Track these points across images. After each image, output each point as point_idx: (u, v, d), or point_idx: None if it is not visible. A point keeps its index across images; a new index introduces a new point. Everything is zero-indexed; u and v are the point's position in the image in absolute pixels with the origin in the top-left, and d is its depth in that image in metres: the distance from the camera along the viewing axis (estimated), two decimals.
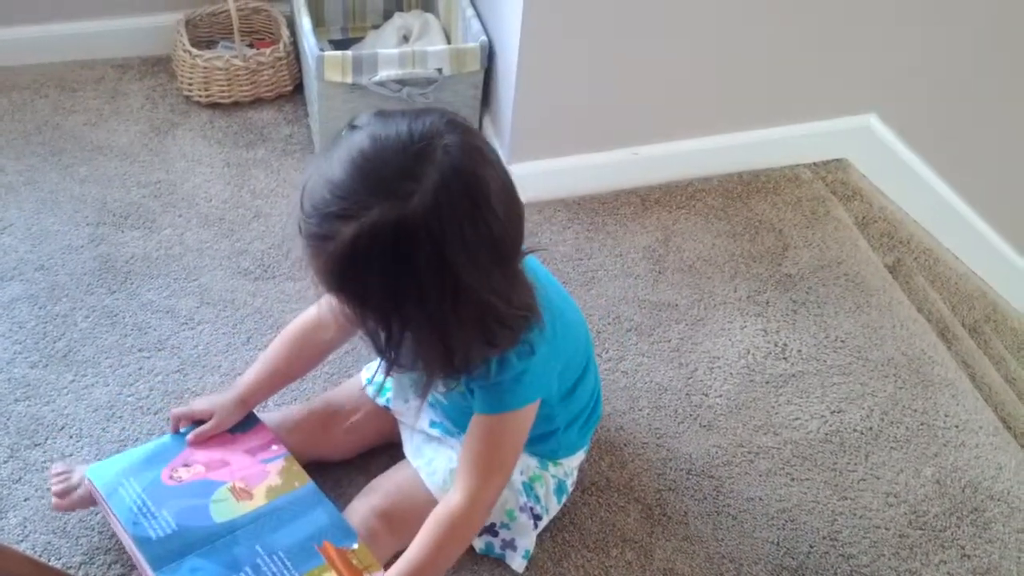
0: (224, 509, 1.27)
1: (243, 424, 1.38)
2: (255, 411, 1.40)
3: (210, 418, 1.36)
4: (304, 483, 1.32)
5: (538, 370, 1.17)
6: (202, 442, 1.35)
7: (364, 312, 1.06)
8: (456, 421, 1.37)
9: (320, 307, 1.27)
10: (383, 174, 1.00)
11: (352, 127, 1.05)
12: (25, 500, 1.38)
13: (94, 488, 1.28)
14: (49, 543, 1.33)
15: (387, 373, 1.16)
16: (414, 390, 1.27)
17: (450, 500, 1.20)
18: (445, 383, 1.15)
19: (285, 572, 1.21)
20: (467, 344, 1.07)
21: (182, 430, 1.36)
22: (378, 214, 0.98)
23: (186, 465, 1.32)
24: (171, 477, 1.30)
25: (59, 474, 1.33)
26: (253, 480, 1.31)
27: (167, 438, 1.36)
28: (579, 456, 1.43)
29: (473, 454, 1.20)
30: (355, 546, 1.24)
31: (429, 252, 0.99)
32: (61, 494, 1.32)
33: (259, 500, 1.29)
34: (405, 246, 0.99)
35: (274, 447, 1.36)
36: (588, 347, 1.36)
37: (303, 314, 1.37)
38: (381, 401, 1.42)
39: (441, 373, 1.11)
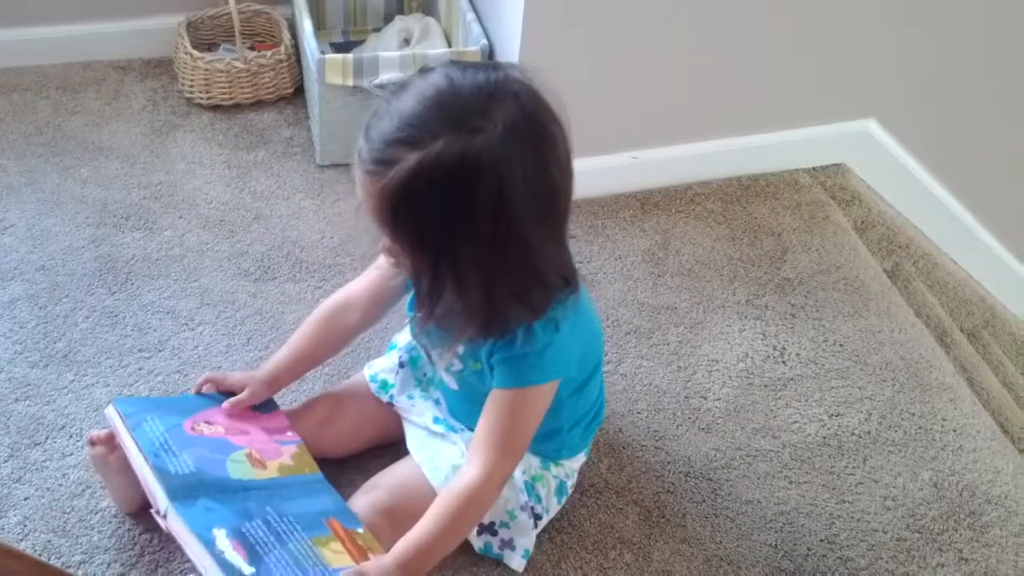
0: (240, 469, 1.28)
1: (263, 407, 1.40)
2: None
3: (240, 390, 1.36)
4: (314, 471, 1.33)
5: (562, 346, 1.18)
6: (225, 411, 1.36)
7: (415, 250, 1.07)
8: (460, 415, 1.38)
9: (348, 288, 1.33)
10: (454, 108, 1.02)
11: (425, 70, 1.07)
12: (25, 499, 1.38)
13: (118, 417, 1.27)
14: (49, 542, 1.33)
15: (423, 324, 1.16)
16: (438, 353, 1.27)
17: (465, 474, 1.20)
18: (470, 347, 1.17)
19: (294, 532, 1.21)
20: (506, 297, 1.09)
21: (205, 391, 1.38)
22: (444, 144, 1.00)
23: (208, 422, 1.33)
24: (192, 428, 1.31)
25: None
26: (268, 455, 1.33)
27: (191, 395, 1.38)
28: (580, 458, 1.43)
29: (491, 429, 1.20)
30: (360, 530, 1.25)
31: (490, 188, 1.01)
32: (107, 440, 1.29)
33: (272, 472, 1.30)
34: (467, 179, 1.00)
35: (290, 433, 1.38)
36: (602, 345, 1.38)
37: (331, 296, 1.39)
38: (384, 397, 1.42)
39: (474, 329, 1.12)
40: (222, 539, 1.15)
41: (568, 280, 1.16)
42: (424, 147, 1.00)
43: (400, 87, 1.07)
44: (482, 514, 1.27)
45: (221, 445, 1.31)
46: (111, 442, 1.28)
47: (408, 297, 1.29)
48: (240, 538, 1.16)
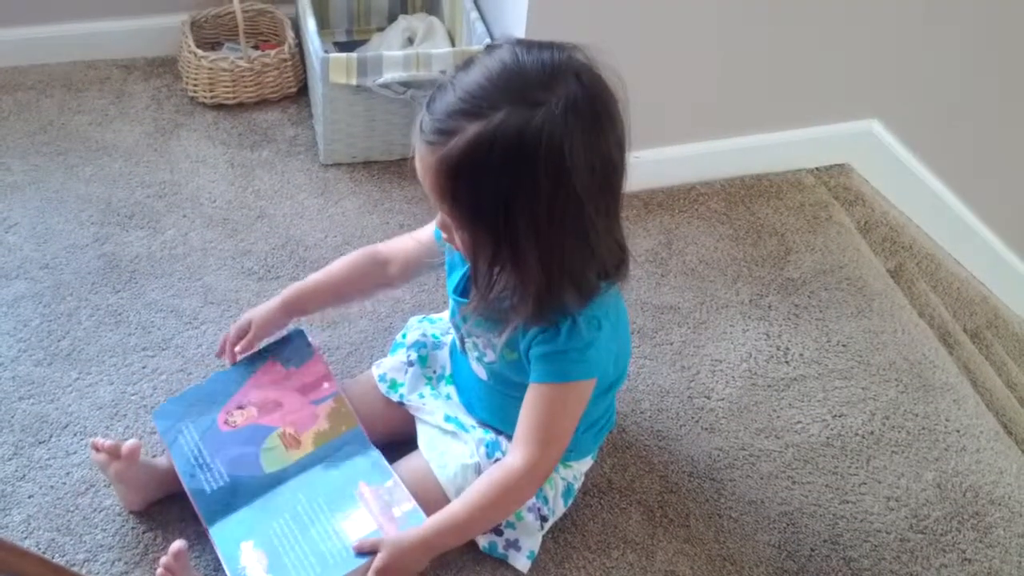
0: (273, 458, 1.35)
1: (299, 355, 1.44)
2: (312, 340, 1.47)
3: (261, 332, 1.41)
4: (352, 426, 1.37)
5: (602, 345, 1.19)
6: (258, 381, 1.41)
7: (474, 223, 1.08)
8: (478, 410, 1.38)
9: (390, 243, 1.38)
10: (517, 83, 1.03)
11: (492, 46, 1.09)
12: (29, 497, 1.38)
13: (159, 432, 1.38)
14: (53, 540, 1.34)
15: (476, 307, 1.16)
16: (472, 343, 1.29)
17: (508, 464, 1.21)
18: (509, 337, 1.18)
19: (322, 515, 1.28)
20: (563, 276, 1.09)
21: (240, 361, 1.43)
22: (505, 115, 1.01)
23: (240, 407, 1.39)
24: (226, 422, 1.37)
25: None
26: (302, 426, 1.37)
27: (223, 373, 1.44)
28: (587, 462, 1.43)
29: (533, 423, 1.21)
30: (388, 483, 1.30)
31: (549, 160, 1.02)
32: (110, 450, 1.30)
33: (307, 447, 1.35)
34: (527, 150, 1.01)
35: (325, 384, 1.41)
36: (629, 355, 1.38)
37: (373, 245, 1.42)
38: (395, 397, 1.42)
39: (528, 311, 1.12)
40: (248, 554, 1.26)
41: (620, 264, 1.17)
42: (485, 118, 1.02)
43: (466, 63, 1.08)
44: (519, 505, 1.28)
45: (254, 434, 1.37)
46: (114, 452, 1.30)
47: (454, 279, 1.29)
48: (265, 544, 1.26)
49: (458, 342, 1.35)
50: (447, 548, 1.24)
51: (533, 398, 1.21)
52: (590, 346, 1.17)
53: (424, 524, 1.21)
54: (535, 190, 1.03)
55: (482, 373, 1.32)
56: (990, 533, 1.50)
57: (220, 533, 1.28)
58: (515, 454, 1.22)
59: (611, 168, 1.08)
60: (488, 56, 1.07)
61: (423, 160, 1.07)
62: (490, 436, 1.34)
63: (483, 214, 1.06)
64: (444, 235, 1.17)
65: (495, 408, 1.34)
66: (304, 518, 1.28)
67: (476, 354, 1.30)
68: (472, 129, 1.02)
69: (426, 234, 1.37)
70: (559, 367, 1.18)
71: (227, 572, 1.24)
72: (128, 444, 1.29)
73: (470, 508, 1.21)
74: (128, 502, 1.36)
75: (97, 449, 1.30)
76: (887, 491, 1.53)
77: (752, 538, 1.45)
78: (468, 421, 1.38)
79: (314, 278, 1.43)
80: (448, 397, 1.42)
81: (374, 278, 1.41)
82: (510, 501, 1.24)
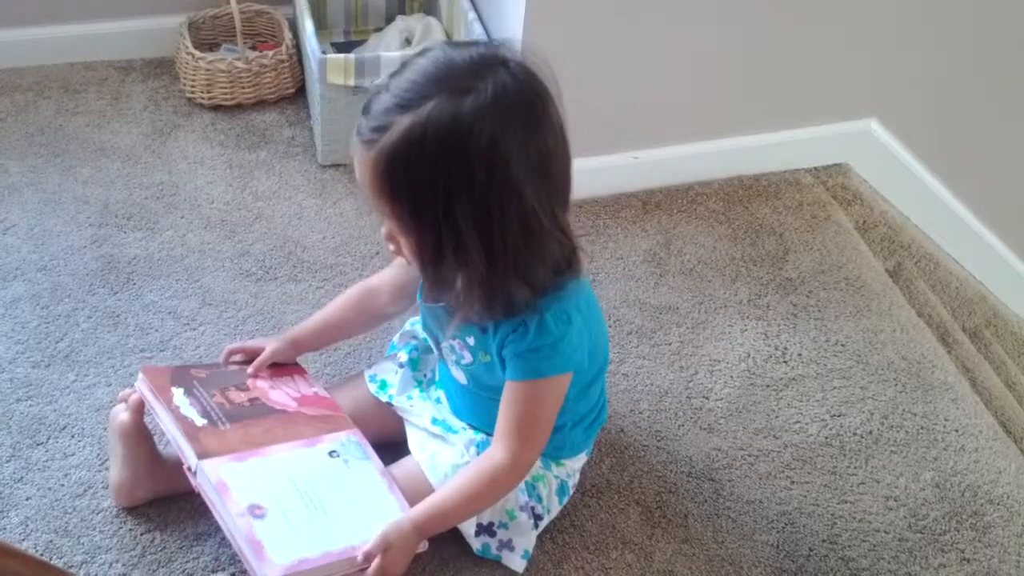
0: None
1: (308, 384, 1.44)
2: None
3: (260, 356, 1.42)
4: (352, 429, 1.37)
5: (574, 340, 1.19)
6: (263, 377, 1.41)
7: (414, 219, 1.08)
8: (463, 413, 1.38)
9: (379, 274, 1.39)
10: (447, 74, 1.06)
11: (424, 50, 1.11)
12: (27, 499, 1.38)
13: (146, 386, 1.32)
14: (51, 542, 1.34)
15: (428, 302, 1.18)
16: (448, 346, 1.30)
17: (492, 456, 1.24)
18: (480, 339, 1.20)
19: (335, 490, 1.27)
20: (507, 268, 1.10)
21: (238, 370, 1.42)
22: (436, 104, 1.03)
23: (240, 388, 1.38)
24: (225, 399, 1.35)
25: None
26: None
27: (229, 372, 1.41)
28: (581, 458, 1.43)
29: (511, 419, 1.22)
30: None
31: (482, 145, 1.03)
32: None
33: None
34: (460, 136, 1.03)
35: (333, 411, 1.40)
36: (608, 344, 1.39)
37: (364, 279, 1.44)
38: (384, 397, 1.42)
39: (478, 304, 1.13)
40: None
41: (571, 259, 1.17)
42: (416, 109, 1.04)
43: (400, 67, 1.10)
44: (502, 496, 1.29)
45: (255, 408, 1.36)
46: (126, 397, 1.30)
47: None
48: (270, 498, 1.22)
49: (435, 349, 1.35)
50: (441, 530, 1.26)
51: (510, 396, 1.22)
52: (560, 341, 1.18)
53: (415, 509, 1.23)
54: (471, 178, 1.04)
55: (461, 377, 1.32)
56: (989, 532, 1.50)
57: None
58: (498, 448, 1.24)
59: (548, 155, 1.08)
60: (420, 56, 1.10)
61: (361, 161, 1.09)
62: (480, 436, 1.35)
63: (422, 208, 1.07)
64: (392, 247, 1.17)
65: (479, 412, 1.34)
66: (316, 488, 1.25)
67: (454, 357, 1.30)
68: (404, 121, 1.04)
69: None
70: (532, 364, 1.19)
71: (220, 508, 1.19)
72: (135, 395, 1.31)
73: (457, 497, 1.23)
74: (118, 484, 1.35)
75: (121, 400, 1.32)
76: (886, 491, 1.53)
77: (751, 538, 1.45)
78: (456, 423, 1.38)
79: (315, 319, 1.45)
80: (438, 400, 1.42)
81: (370, 310, 1.43)
82: (495, 493, 1.27)
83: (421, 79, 1.06)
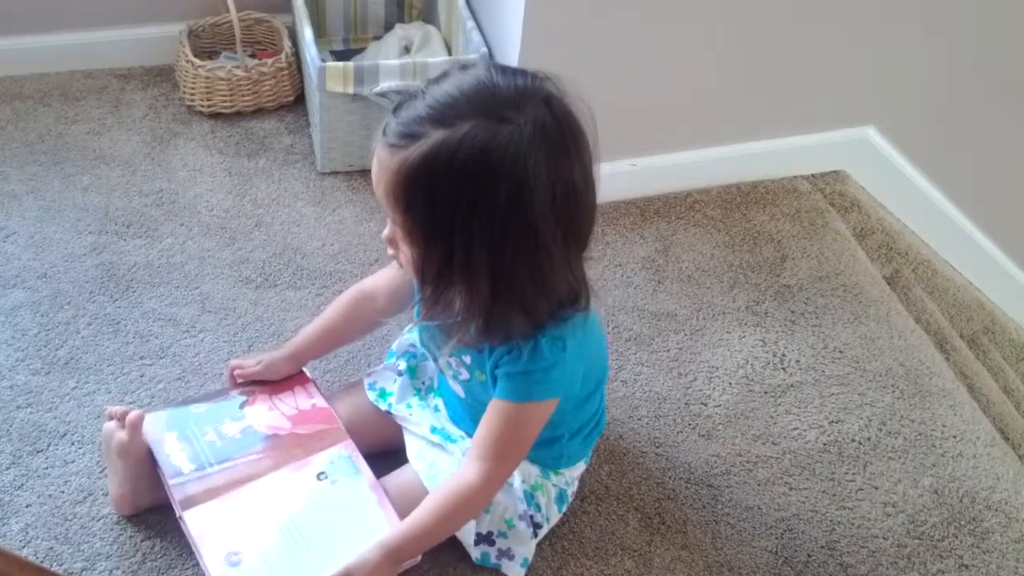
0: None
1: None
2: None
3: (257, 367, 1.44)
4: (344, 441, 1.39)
5: (566, 367, 1.19)
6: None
7: (426, 234, 1.07)
8: (462, 423, 1.38)
9: (373, 277, 1.38)
10: (488, 98, 1.04)
11: (465, 65, 1.10)
12: (27, 506, 1.38)
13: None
14: (51, 549, 1.34)
15: (423, 319, 1.17)
16: (444, 361, 1.30)
17: (464, 476, 1.22)
18: (477, 358, 1.19)
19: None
20: (511, 299, 1.09)
21: (237, 394, 1.43)
22: (472, 127, 1.01)
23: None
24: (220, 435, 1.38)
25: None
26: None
27: (227, 401, 1.43)
28: (580, 467, 1.44)
29: (490, 437, 1.21)
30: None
31: (511, 178, 1.01)
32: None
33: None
34: (490, 164, 1.01)
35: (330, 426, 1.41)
36: (606, 362, 1.39)
37: (358, 282, 1.43)
38: (383, 406, 1.43)
39: (473, 329, 1.12)
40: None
41: (577, 298, 1.16)
42: (452, 127, 1.02)
43: (439, 76, 1.08)
44: (474, 515, 1.29)
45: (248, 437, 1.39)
46: (123, 417, 1.30)
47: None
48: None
49: (434, 363, 1.35)
50: (413, 555, 1.25)
51: (493, 414, 1.21)
52: (553, 367, 1.17)
53: (386, 538, 1.21)
54: (493, 207, 1.02)
55: (459, 391, 1.32)
56: (987, 538, 1.50)
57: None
58: (471, 468, 1.22)
59: (574, 196, 1.07)
60: (462, 72, 1.07)
61: (382, 163, 1.07)
62: None
63: (435, 226, 1.05)
64: (390, 251, 1.16)
65: (477, 422, 1.33)
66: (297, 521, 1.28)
67: (451, 373, 1.30)
68: (437, 135, 1.02)
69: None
70: (521, 387, 1.18)
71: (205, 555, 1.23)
72: (133, 412, 1.30)
73: (428, 521, 1.21)
74: (119, 496, 1.35)
75: (111, 417, 1.32)
76: (884, 497, 1.53)
77: (749, 544, 1.45)
78: (455, 432, 1.39)
79: (312, 328, 1.45)
80: (436, 409, 1.42)
81: (366, 315, 1.42)
82: (466, 514, 1.26)
83: (460, 97, 1.04)
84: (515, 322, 1.12)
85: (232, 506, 1.28)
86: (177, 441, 1.35)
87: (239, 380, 1.45)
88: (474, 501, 1.24)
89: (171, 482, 1.30)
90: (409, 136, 1.04)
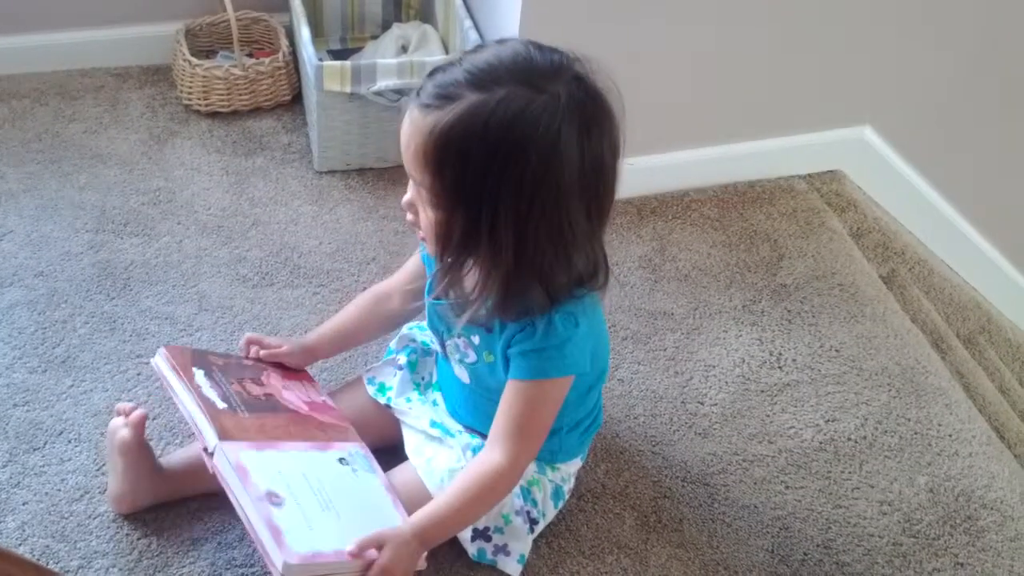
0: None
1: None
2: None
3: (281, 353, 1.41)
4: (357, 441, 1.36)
5: (579, 343, 1.19)
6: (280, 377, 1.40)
7: (454, 198, 1.07)
8: (462, 415, 1.38)
9: (389, 280, 1.39)
10: (525, 68, 1.05)
11: (504, 39, 1.11)
12: (24, 504, 1.38)
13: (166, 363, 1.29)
14: (47, 547, 1.34)
15: (441, 291, 1.17)
16: (450, 327, 1.28)
17: (490, 459, 1.21)
18: (485, 339, 1.20)
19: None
20: (532, 271, 1.10)
21: (252, 354, 1.41)
22: (509, 92, 1.03)
23: (256, 382, 1.36)
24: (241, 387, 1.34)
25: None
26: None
27: (247, 364, 1.40)
28: (576, 463, 1.44)
29: (511, 418, 1.21)
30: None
31: (543, 146, 1.03)
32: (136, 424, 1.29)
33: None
34: (524, 131, 1.02)
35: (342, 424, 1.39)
36: (608, 353, 1.39)
37: (372, 286, 1.44)
38: (382, 400, 1.43)
39: (491, 301, 1.12)
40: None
41: (595, 274, 1.17)
42: (488, 91, 1.03)
43: (476, 47, 1.11)
44: (504, 496, 1.28)
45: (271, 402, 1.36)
46: (128, 412, 1.29)
47: (430, 283, 1.29)
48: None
49: (439, 347, 1.35)
50: (442, 539, 1.24)
51: (511, 395, 1.21)
52: (567, 342, 1.18)
53: (415, 517, 1.20)
54: (523, 173, 1.03)
55: (464, 376, 1.32)
56: (982, 537, 1.50)
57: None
58: (494, 450, 1.22)
59: (601, 170, 1.09)
60: (500, 44, 1.09)
61: (414, 123, 1.06)
62: (476, 440, 1.35)
63: (464, 189, 1.06)
64: (409, 216, 1.15)
65: (478, 412, 1.34)
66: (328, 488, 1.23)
67: (457, 356, 1.30)
68: (473, 98, 1.03)
69: (414, 260, 1.38)
70: (537, 364, 1.19)
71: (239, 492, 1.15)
72: (136, 412, 1.29)
73: (456, 504, 1.21)
74: (118, 494, 1.35)
75: (119, 413, 1.31)
76: (880, 496, 1.53)
77: (745, 543, 1.45)
78: (454, 426, 1.39)
79: (330, 326, 1.44)
80: (435, 403, 1.42)
81: (381, 315, 1.43)
82: (493, 496, 1.25)
83: (499, 65, 1.05)
84: (533, 294, 1.13)
85: (266, 456, 1.22)
86: (205, 377, 1.29)
87: (255, 357, 1.41)
88: (501, 482, 1.22)
89: (203, 410, 1.22)
90: (445, 97, 1.04)
